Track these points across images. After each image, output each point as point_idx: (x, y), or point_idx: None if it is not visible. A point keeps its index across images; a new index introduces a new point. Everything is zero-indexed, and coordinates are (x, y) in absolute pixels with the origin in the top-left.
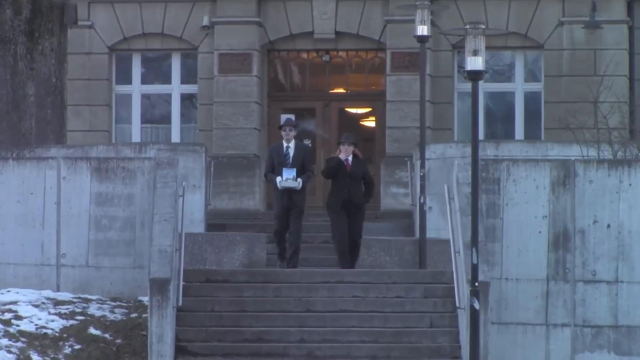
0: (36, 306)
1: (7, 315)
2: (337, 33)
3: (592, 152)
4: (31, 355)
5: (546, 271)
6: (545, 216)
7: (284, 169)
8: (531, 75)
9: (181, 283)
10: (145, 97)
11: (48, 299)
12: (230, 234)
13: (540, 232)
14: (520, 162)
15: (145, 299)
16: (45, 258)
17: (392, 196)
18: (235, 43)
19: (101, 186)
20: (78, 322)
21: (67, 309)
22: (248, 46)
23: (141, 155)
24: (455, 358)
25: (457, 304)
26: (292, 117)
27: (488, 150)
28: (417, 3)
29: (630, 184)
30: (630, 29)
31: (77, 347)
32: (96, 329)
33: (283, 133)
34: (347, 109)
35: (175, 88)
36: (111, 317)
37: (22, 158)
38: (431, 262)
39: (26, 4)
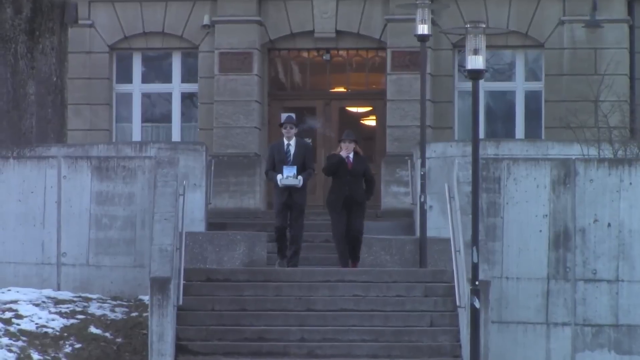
0: (37, 305)
1: (8, 314)
2: (338, 32)
3: (593, 151)
4: (32, 354)
5: (547, 270)
6: (546, 215)
7: (285, 167)
8: (532, 74)
9: (182, 282)
10: (145, 96)
11: (48, 297)
12: (230, 233)
13: (540, 231)
14: (521, 161)
15: (146, 298)
16: (45, 257)
17: (392, 195)
18: (235, 42)
19: (102, 185)
20: (78, 321)
21: (68, 308)
22: (248, 45)
23: (142, 154)
24: (455, 357)
25: (458, 303)
26: (293, 115)
27: (488, 149)
28: (417, 2)
29: (630, 183)
30: (631, 28)
31: (78, 346)
32: (97, 328)
33: (284, 131)
34: (347, 108)
35: (176, 87)
36: (112, 316)
37: (22, 157)
38: (432, 261)
39: (27, 3)
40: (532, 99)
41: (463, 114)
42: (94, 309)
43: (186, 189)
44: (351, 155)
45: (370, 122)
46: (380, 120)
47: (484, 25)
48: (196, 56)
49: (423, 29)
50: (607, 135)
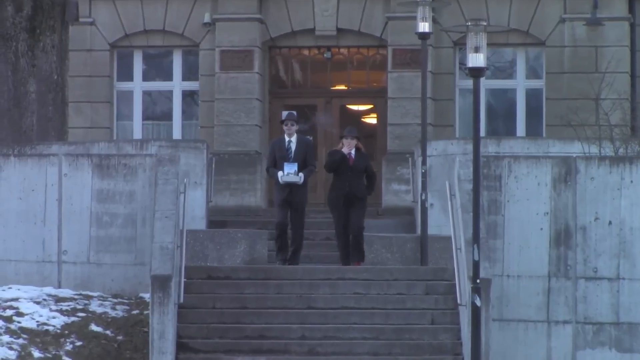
0: (37, 303)
1: (9, 312)
2: (339, 30)
3: (594, 149)
4: (32, 352)
5: (547, 268)
6: (547, 213)
7: (286, 164)
8: (532, 72)
9: (182, 280)
10: (146, 93)
11: (49, 295)
12: (231, 231)
13: (541, 229)
14: (522, 159)
15: (147, 296)
16: (46, 255)
17: (393, 193)
18: (236, 40)
19: (102, 183)
20: (79, 318)
21: (69, 305)
22: (249, 43)
23: (142, 152)
24: (456, 355)
25: (459, 301)
26: (294, 112)
27: (489, 147)
28: (418, 0)
29: (631, 181)
30: (632, 26)
31: (79, 343)
32: (97, 326)
33: (285, 128)
34: (348, 106)
35: (177, 85)
36: (112, 313)
37: (23, 155)
38: (432, 259)
39: (27, 1)
40: (533, 96)
41: (464, 112)
42: (94, 306)
43: (187, 186)
44: (353, 152)
45: (371, 119)
46: (381, 118)
47: (484, 23)
48: (197, 54)
49: (424, 26)
50: (608, 133)
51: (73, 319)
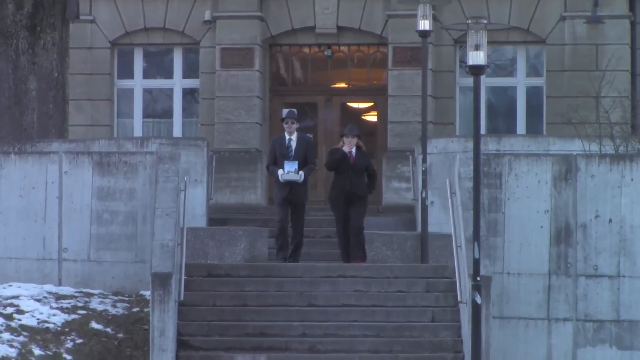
0: (38, 300)
1: (9, 310)
2: (339, 28)
3: (594, 147)
4: (33, 349)
5: (548, 266)
6: (547, 211)
7: (286, 162)
8: (533, 70)
9: (183, 277)
10: (147, 91)
11: (50, 293)
12: (232, 229)
13: (542, 226)
14: (522, 157)
15: (147, 293)
16: (47, 252)
17: (394, 191)
18: (237, 38)
19: (103, 180)
20: (80, 316)
21: (69, 303)
22: (250, 41)
23: (143, 150)
24: (457, 352)
25: (459, 299)
26: (294, 109)
27: (490, 145)
28: None
29: (632, 179)
30: (632, 24)
31: (79, 341)
32: (98, 323)
33: (285, 126)
34: (348, 104)
35: (177, 82)
36: (113, 311)
37: (24, 152)
38: (433, 256)
39: None
40: (533, 94)
41: (464, 110)
42: (95, 304)
43: (187, 184)
44: (353, 150)
45: (372, 117)
46: (382, 115)
47: (485, 21)
48: (197, 52)
49: (424, 24)
50: (608, 131)
51: (73, 316)
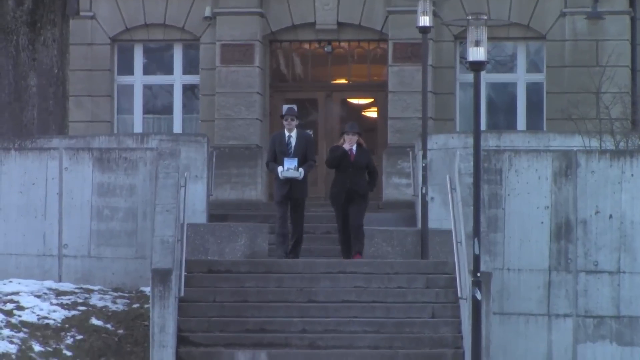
0: (38, 297)
1: (9, 306)
2: (339, 24)
3: (594, 143)
4: (33, 345)
5: (548, 262)
6: (547, 207)
7: (286, 159)
8: (533, 66)
9: (183, 273)
10: (147, 87)
11: (50, 289)
12: (232, 225)
13: (542, 222)
14: (522, 153)
15: (147, 290)
16: (47, 249)
17: (394, 187)
18: (237, 34)
19: (103, 177)
20: (80, 312)
21: (69, 299)
22: (250, 37)
23: (143, 146)
24: (457, 348)
25: (459, 295)
26: (294, 106)
27: (490, 141)
28: None
29: (632, 175)
30: (633, 20)
31: (79, 337)
32: (98, 320)
33: (285, 123)
34: (349, 100)
35: (177, 79)
36: (113, 307)
37: (24, 149)
38: (433, 252)
39: None
40: (533, 90)
41: (464, 106)
42: (95, 300)
43: (187, 180)
44: (354, 148)
45: (372, 113)
46: (382, 111)
47: (485, 17)
48: (197, 48)
49: (425, 20)
50: (608, 127)
51: (74, 312)
